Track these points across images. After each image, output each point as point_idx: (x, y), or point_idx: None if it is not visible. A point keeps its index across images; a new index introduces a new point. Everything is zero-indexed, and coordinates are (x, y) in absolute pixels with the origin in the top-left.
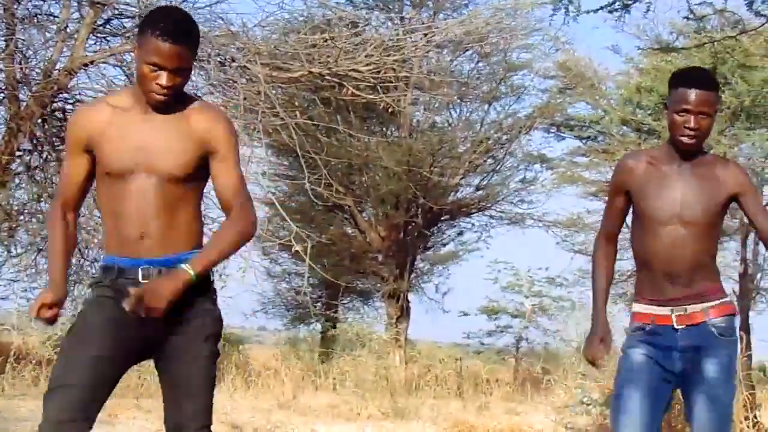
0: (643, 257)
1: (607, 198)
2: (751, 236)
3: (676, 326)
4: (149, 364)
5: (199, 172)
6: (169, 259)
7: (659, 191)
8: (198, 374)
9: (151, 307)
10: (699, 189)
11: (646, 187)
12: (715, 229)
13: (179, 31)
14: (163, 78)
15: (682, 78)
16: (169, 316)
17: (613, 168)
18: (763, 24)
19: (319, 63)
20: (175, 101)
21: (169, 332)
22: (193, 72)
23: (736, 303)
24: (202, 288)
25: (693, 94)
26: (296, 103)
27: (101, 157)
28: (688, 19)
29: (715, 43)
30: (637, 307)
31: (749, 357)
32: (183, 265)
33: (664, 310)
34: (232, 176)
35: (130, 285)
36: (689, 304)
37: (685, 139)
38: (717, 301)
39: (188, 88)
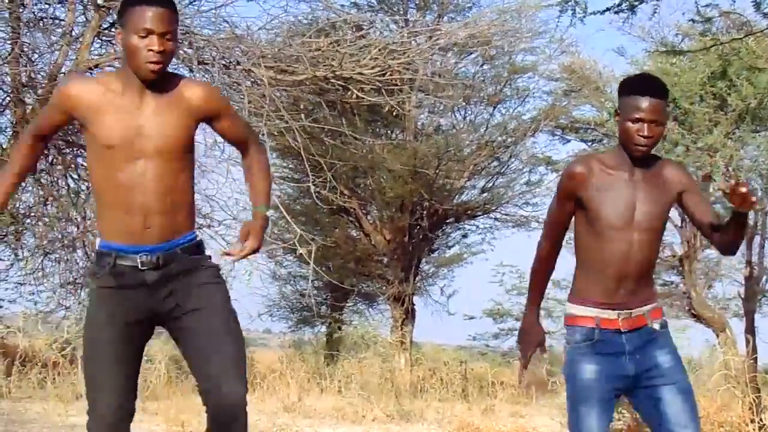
0: (595, 262)
1: (554, 201)
2: (757, 239)
3: (622, 329)
4: (155, 367)
5: (192, 143)
6: (169, 245)
7: (614, 198)
8: (222, 327)
9: (255, 248)
10: (651, 195)
11: (601, 193)
12: (662, 234)
13: None
14: (155, 42)
15: (634, 85)
16: (173, 283)
17: (562, 175)
18: None
19: (324, 66)
20: (163, 80)
21: (181, 297)
22: (197, 75)
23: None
24: (200, 254)
25: (646, 102)
26: (301, 106)
27: (100, 134)
28: (693, 21)
29: (722, 45)
30: (577, 310)
31: (755, 360)
32: (256, 208)
33: (609, 314)
34: (239, 123)
35: (129, 270)
36: (634, 308)
37: (638, 147)
38: (654, 304)
39: None
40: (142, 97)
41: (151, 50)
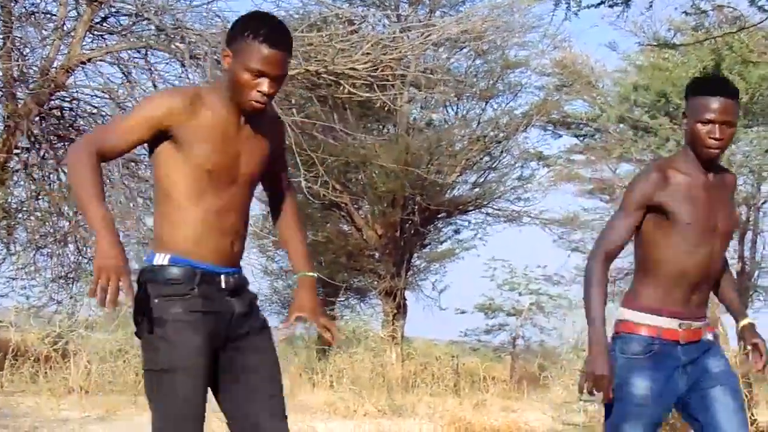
0: (671, 270)
1: (621, 212)
2: (749, 234)
3: (681, 341)
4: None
5: None
6: (239, 268)
7: (694, 204)
8: (274, 367)
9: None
10: (724, 200)
11: (680, 199)
12: None
13: (283, 37)
14: (265, 85)
15: (704, 86)
16: (238, 320)
17: (637, 182)
18: (764, 20)
19: (316, 61)
20: None
21: (250, 328)
22: (189, 69)
23: None
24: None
25: (717, 103)
26: (293, 101)
27: (197, 154)
28: (687, 14)
29: (714, 39)
30: (638, 317)
31: (747, 355)
32: (306, 273)
33: (672, 324)
34: (285, 160)
35: (214, 291)
36: (696, 320)
37: (710, 150)
38: (707, 320)
39: (185, 84)
40: (240, 123)
41: (260, 92)
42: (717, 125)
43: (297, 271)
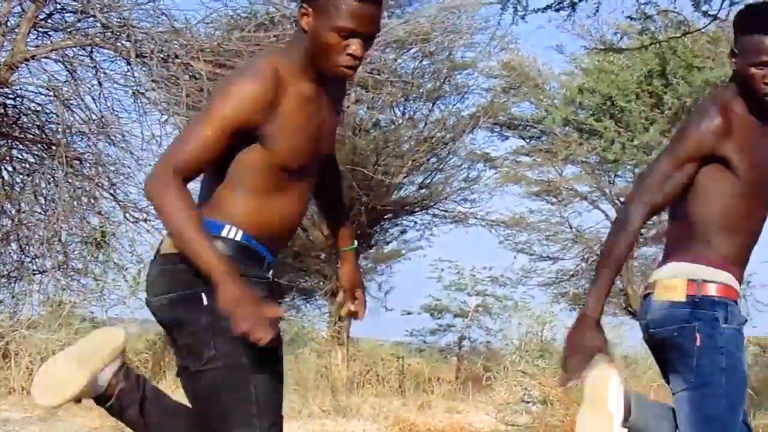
0: (747, 226)
1: (670, 160)
2: None
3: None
4: None
5: None
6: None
7: (761, 155)
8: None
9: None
10: None
11: (747, 150)
12: None
13: None
14: (356, 46)
15: (761, 21)
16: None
17: (694, 126)
18: (707, 24)
19: None
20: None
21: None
22: (135, 67)
23: None
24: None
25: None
26: None
27: (282, 148)
28: (632, 19)
29: (659, 43)
30: (725, 277)
31: None
32: (347, 249)
33: (738, 287)
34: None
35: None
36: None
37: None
38: None
39: (130, 85)
40: (321, 96)
41: (350, 54)
42: None
43: (341, 246)
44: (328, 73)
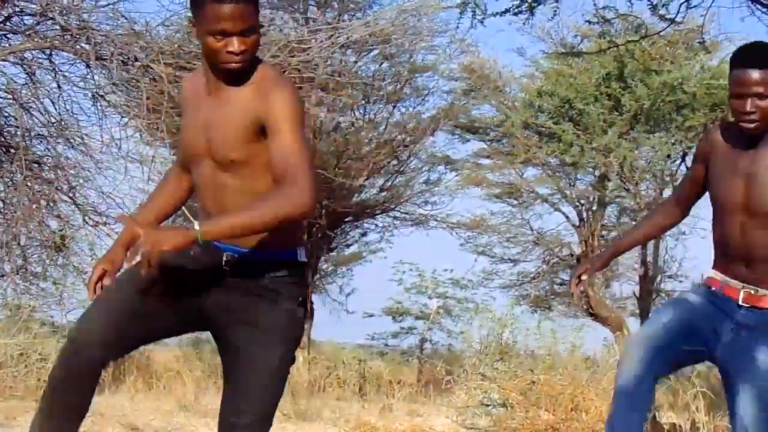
0: (716, 240)
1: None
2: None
3: (740, 303)
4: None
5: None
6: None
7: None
8: (263, 381)
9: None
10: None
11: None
12: None
13: None
14: (234, 43)
15: (736, 57)
16: (240, 299)
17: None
18: (665, 28)
19: None
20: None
21: (237, 320)
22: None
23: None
24: (289, 276)
25: (746, 75)
26: None
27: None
28: (590, 23)
29: (617, 47)
30: (711, 273)
31: None
32: (196, 223)
33: (734, 283)
34: (282, 148)
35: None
36: (762, 287)
37: (744, 125)
38: None
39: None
40: (211, 93)
41: (230, 52)
42: (748, 98)
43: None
44: (220, 72)
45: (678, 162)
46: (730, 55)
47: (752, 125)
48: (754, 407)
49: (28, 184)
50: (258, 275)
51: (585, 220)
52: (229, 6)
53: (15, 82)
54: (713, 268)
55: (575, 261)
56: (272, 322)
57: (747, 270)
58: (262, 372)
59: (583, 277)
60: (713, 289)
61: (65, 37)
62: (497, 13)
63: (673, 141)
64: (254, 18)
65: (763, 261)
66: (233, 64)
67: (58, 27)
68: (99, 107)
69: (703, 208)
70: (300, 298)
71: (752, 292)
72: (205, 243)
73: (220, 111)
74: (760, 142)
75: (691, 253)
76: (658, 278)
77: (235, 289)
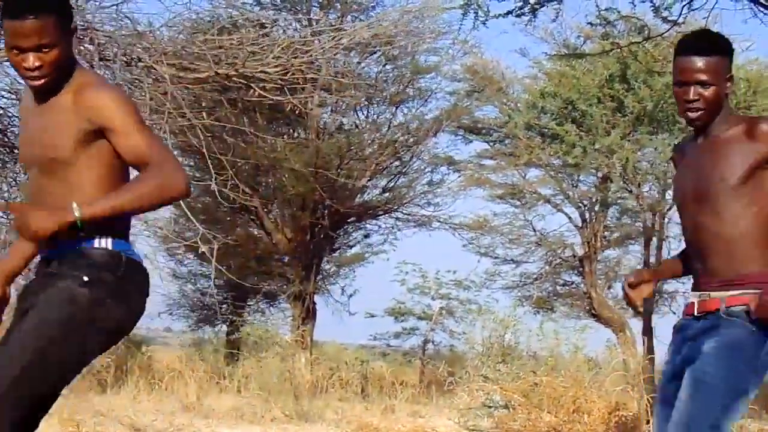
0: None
1: None
2: (654, 240)
3: (696, 314)
4: None
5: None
6: (58, 249)
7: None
8: (10, 351)
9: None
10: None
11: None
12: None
13: (26, 2)
14: (29, 60)
15: (679, 45)
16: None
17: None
18: (668, 30)
19: (226, 64)
20: (59, 79)
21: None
22: (98, 71)
23: None
24: (75, 260)
25: (689, 62)
26: (203, 104)
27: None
28: (592, 24)
29: (620, 48)
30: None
31: (651, 360)
32: (75, 204)
33: (692, 296)
34: (136, 146)
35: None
36: (713, 289)
37: (688, 114)
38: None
39: None
40: (34, 105)
41: (27, 68)
42: (690, 86)
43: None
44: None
45: None
46: (676, 44)
47: (695, 114)
48: (686, 392)
49: None
50: (51, 264)
51: (587, 221)
52: (22, 22)
53: (18, 83)
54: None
55: (578, 262)
56: (43, 300)
57: (702, 270)
58: (14, 343)
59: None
60: (680, 323)
61: None
62: (500, 15)
63: (676, 142)
64: (53, 33)
65: (714, 254)
66: (32, 81)
67: None
68: None
69: None
70: (85, 279)
71: (705, 299)
72: (83, 224)
73: (42, 119)
74: (708, 134)
75: None
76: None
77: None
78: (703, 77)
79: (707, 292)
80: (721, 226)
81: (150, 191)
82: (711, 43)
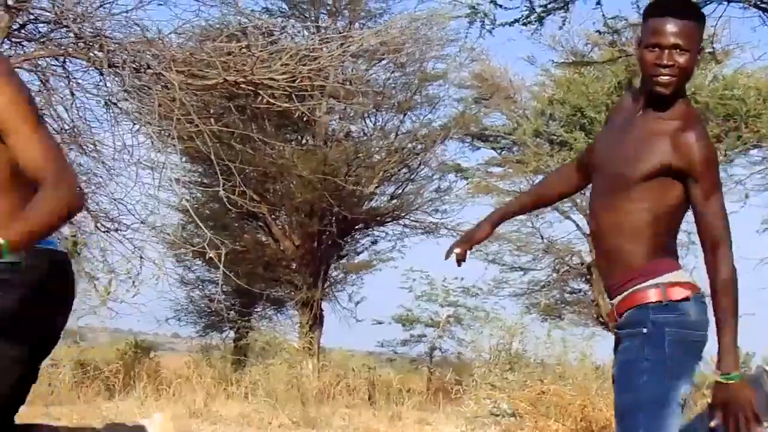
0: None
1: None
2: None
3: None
4: (59, 371)
5: None
6: None
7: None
8: None
9: None
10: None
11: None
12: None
13: None
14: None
15: (654, 6)
16: None
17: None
18: None
19: (235, 71)
20: None
21: None
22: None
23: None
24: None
25: (665, 23)
26: (211, 111)
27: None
28: (600, 32)
29: (628, 56)
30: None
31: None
32: None
33: (609, 305)
34: (28, 149)
35: None
36: (620, 291)
37: (658, 79)
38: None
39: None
40: None
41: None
42: (666, 50)
43: None
44: None
45: None
46: (646, 6)
47: (667, 79)
48: (617, 392)
49: None
50: None
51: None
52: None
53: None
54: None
55: (585, 269)
56: None
57: (607, 272)
58: None
59: (463, 251)
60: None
61: (79, 44)
62: (506, 23)
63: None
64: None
65: (614, 250)
66: None
67: (71, 35)
68: (111, 114)
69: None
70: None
71: (615, 303)
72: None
73: None
74: (653, 110)
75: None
76: None
77: None
78: (681, 41)
79: (616, 296)
80: (619, 218)
81: (57, 211)
82: (688, 8)
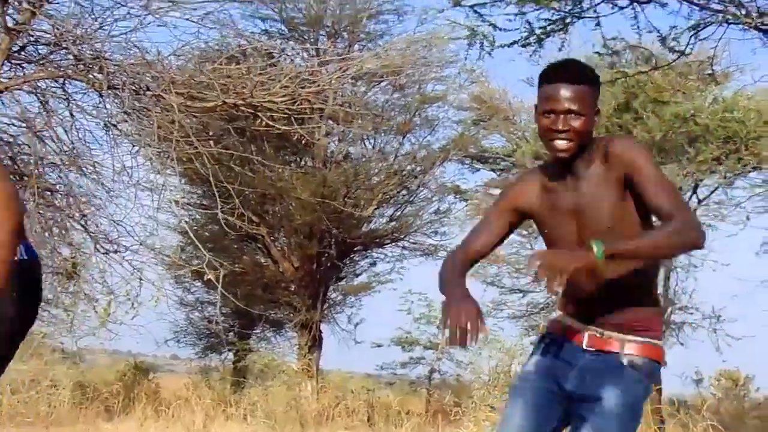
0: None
1: None
2: (662, 270)
3: (585, 347)
4: (59, 393)
5: None
6: None
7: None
8: None
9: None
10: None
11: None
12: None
13: None
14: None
15: (546, 73)
16: None
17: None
18: (676, 60)
19: (234, 93)
20: None
21: None
22: (107, 99)
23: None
24: None
25: (558, 90)
26: (210, 133)
27: None
28: (599, 54)
29: (628, 78)
30: (555, 315)
31: (659, 391)
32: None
33: (577, 326)
34: None
35: None
36: (607, 329)
37: (556, 144)
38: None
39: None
40: None
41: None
42: (561, 115)
43: None
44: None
45: (689, 194)
46: (540, 72)
47: (564, 144)
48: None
49: (41, 211)
50: None
51: None
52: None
53: (29, 111)
54: (558, 307)
55: None
56: None
57: (591, 309)
58: None
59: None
60: (554, 338)
61: (78, 66)
62: (505, 45)
63: (684, 173)
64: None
65: (607, 298)
66: None
67: (71, 57)
68: (111, 136)
69: (716, 240)
70: None
71: (597, 335)
72: None
73: None
74: (574, 171)
75: (702, 284)
76: (669, 310)
77: None
78: (574, 106)
79: (600, 330)
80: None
81: None
82: (580, 73)
